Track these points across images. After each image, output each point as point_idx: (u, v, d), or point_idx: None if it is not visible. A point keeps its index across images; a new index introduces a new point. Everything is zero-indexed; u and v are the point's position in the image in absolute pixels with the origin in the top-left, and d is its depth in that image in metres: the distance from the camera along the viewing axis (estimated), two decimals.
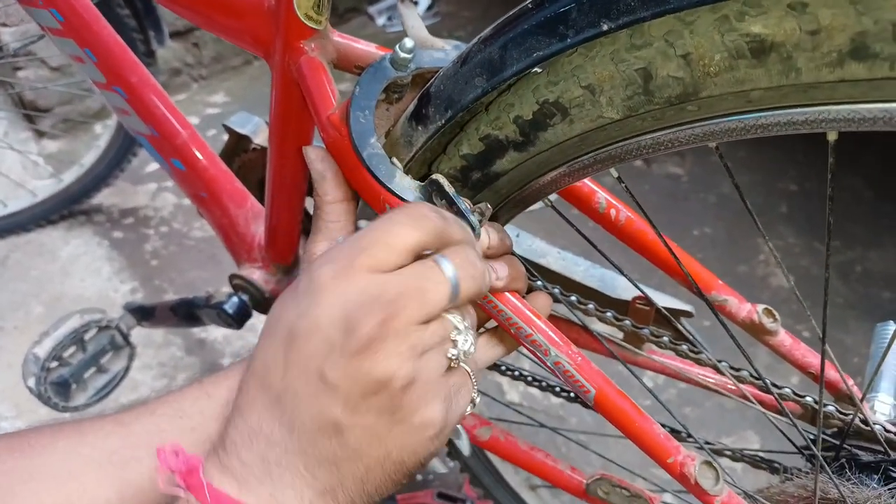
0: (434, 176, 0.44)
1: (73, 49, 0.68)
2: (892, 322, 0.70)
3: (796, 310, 1.46)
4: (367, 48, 0.53)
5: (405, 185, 0.46)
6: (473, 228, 0.44)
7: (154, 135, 0.72)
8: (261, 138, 0.81)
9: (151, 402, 0.46)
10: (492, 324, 0.52)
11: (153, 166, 1.78)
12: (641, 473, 0.95)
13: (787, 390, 0.60)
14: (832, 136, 0.33)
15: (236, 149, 0.83)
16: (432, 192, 0.45)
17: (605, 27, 0.34)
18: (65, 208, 1.57)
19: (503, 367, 0.80)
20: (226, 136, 0.80)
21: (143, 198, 1.72)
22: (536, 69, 0.38)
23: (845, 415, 0.58)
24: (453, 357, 0.39)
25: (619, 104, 0.36)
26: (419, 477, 1.20)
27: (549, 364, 0.48)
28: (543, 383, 0.79)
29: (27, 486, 0.41)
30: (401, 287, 0.36)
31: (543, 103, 0.39)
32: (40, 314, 1.41)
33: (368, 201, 0.48)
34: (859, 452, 0.58)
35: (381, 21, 2.42)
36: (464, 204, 0.44)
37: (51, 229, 1.59)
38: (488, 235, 0.47)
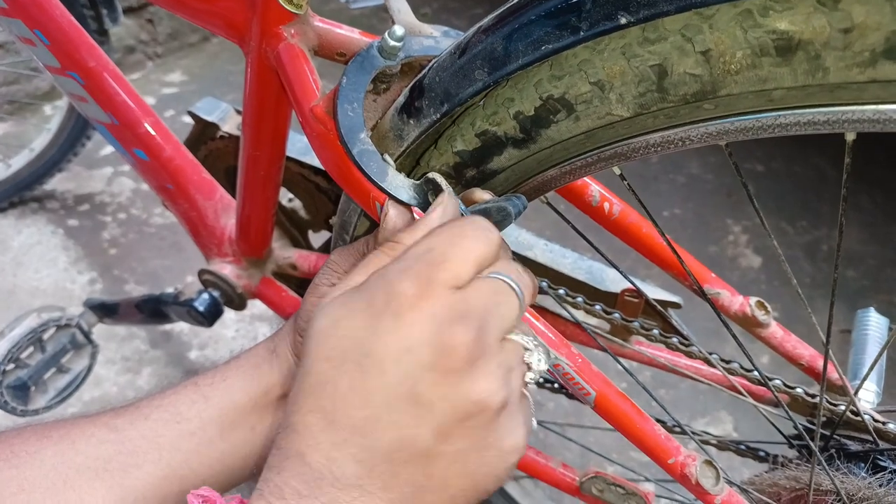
0: (430, 174, 0.42)
1: (21, 30, 0.63)
2: (872, 309, 0.71)
3: (766, 289, 1.48)
4: (350, 34, 0.50)
5: (398, 183, 0.43)
6: None
7: (114, 123, 0.67)
8: (229, 126, 0.77)
9: (143, 406, 0.44)
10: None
11: (108, 149, 1.69)
12: (618, 459, 0.95)
13: (778, 382, 0.60)
14: (850, 137, 0.32)
15: (202, 137, 0.79)
16: (428, 192, 0.43)
17: (623, 20, 0.31)
18: (15, 195, 1.49)
19: None
20: (186, 118, 0.75)
21: (98, 183, 1.64)
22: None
23: (836, 405, 0.58)
24: (531, 379, 0.37)
25: (630, 101, 0.34)
26: None
27: None
28: None
29: (17, 498, 0.38)
30: (483, 303, 0.34)
31: (547, 99, 0.37)
32: None
33: (357, 199, 0.46)
34: (848, 442, 0.58)
35: None
36: (461, 205, 0.42)
37: (0, 218, 1.51)
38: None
